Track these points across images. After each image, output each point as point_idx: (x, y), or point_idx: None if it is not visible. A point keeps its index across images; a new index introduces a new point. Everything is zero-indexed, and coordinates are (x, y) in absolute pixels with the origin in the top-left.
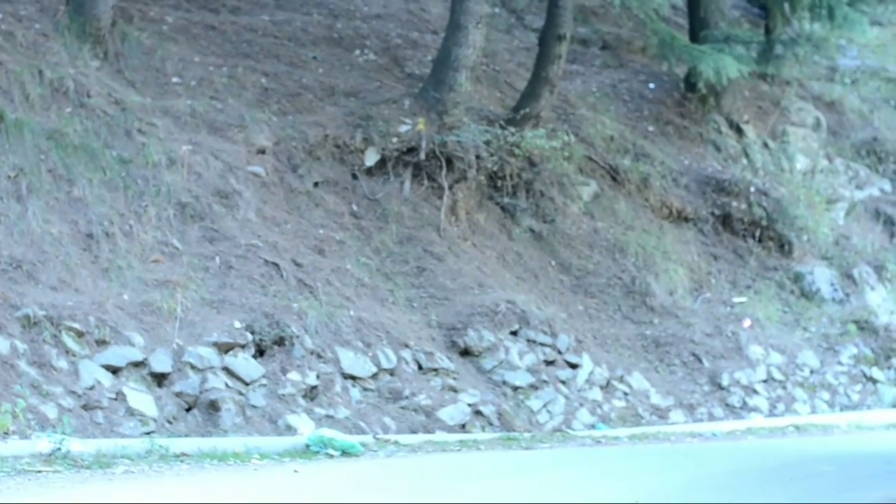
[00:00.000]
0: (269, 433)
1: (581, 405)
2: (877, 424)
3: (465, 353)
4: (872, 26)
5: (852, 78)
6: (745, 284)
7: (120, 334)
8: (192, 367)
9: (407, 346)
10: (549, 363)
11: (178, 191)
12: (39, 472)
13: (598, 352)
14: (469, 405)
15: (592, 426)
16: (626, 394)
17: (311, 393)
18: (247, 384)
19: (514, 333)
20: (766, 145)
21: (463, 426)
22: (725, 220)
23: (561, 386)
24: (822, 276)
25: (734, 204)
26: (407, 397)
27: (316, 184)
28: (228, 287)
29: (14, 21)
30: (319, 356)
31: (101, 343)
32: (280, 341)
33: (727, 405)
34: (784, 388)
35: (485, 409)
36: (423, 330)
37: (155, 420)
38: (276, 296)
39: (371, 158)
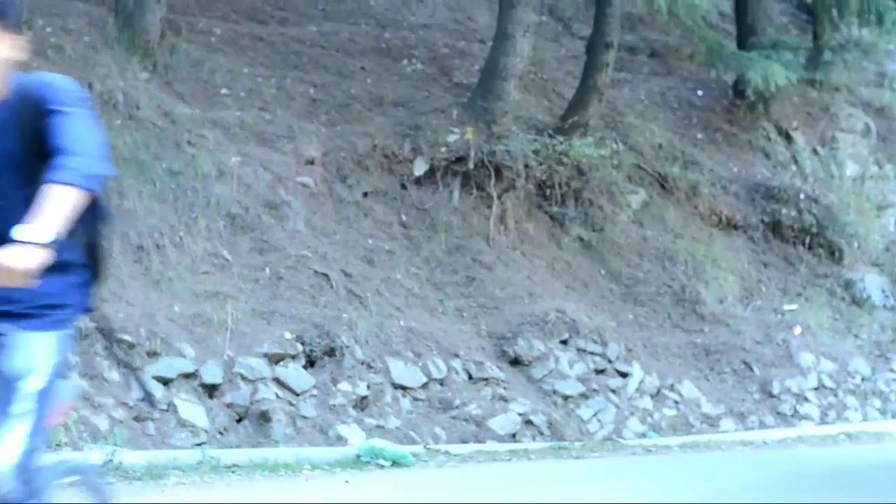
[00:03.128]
0: (319, 444)
1: (631, 414)
2: None
3: (515, 362)
4: None
5: None
6: (796, 292)
7: (171, 346)
8: (243, 378)
9: (457, 355)
10: (600, 372)
11: (228, 202)
12: None
13: (648, 360)
14: (519, 415)
15: (643, 435)
16: (676, 402)
17: (361, 403)
18: (297, 395)
19: (563, 342)
20: (815, 152)
21: (513, 436)
22: (775, 228)
23: (611, 395)
24: (873, 283)
25: (784, 211)
26: (457, 407)
27: (365, 194)
28: (278, 298)
29: (63, 34)
30: (370, 366)
31: (152, 354)
32: (330, 352)
33: (778, 413)
34: (835, 395)
35: (535, 419)
36: (472, 339)
37: (206, 431)
38: (325, 306)
39: (420, 168)
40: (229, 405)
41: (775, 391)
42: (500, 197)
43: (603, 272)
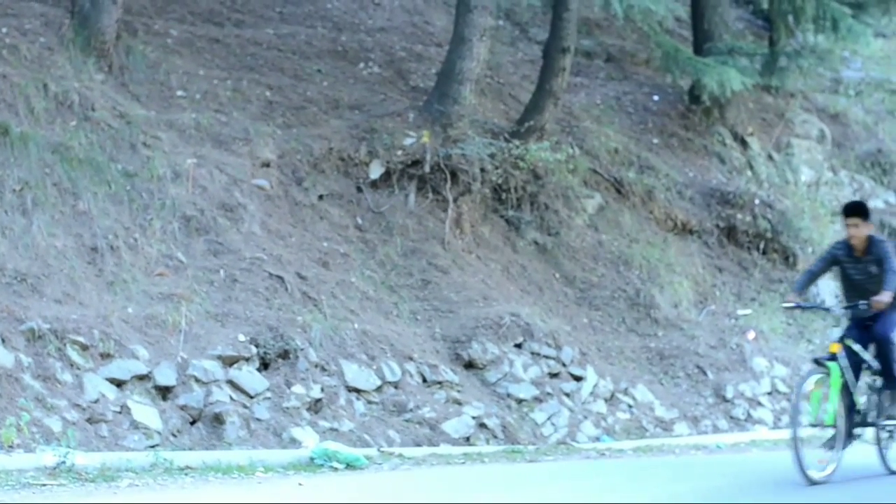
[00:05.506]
0: (273, 446)
1: (585, 418)
2: None
3: (470, 365)
4: (876, 38)
5: (856, 90)
6: (750, 297)
7: (124, 347)
8: (197, 380)
9: (411, 358)
10: (554, 376)
11: (183, 204)
12: (44, 485)
13: (602, 364)
14: (473, 418)
15: (597, 439)
16: (630, 406)
17: (315, 406)
18: (251, 397)
19: (518, 346)
20: (770, 157)
21: (467, 439)
22: (730, 233)
23: (565, 398)
24: (826, 289)
25: (739, 216)
26: (411, 410)
27: (321, 197)
28: (233, 300)
29: (19, 35)
30: (324, 369)
31: (106, 356)
32: (284, 354)
33: (731, 417)
34: (788, 400)
35: (489, 422)
36: (427, 343)
37: (159, 433)
38: (280, 309)
39: (375, 171)
40: (183, 407)
41: (729, 395)
42: (455, 200)
43: (558, 276)
